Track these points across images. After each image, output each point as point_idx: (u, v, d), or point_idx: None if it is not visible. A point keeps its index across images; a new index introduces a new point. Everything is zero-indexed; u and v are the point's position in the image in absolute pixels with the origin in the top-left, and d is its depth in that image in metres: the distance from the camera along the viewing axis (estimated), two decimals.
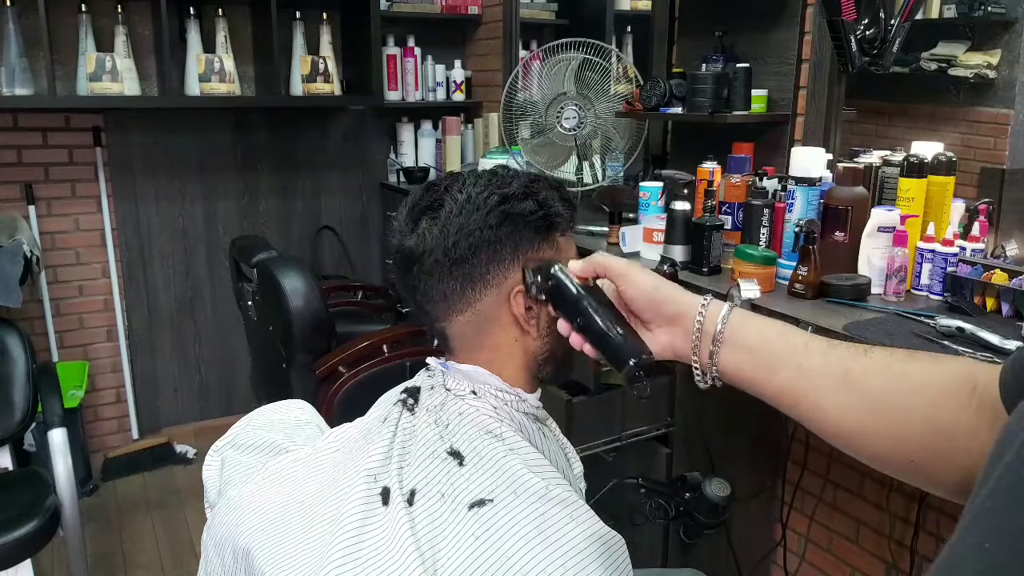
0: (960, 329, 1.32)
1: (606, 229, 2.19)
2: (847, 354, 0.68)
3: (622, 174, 2.65)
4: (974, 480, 0.61)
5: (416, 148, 3.45)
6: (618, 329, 0.77)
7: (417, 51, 3.34)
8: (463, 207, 0.85)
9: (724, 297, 1.60)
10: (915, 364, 0.66)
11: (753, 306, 1.58)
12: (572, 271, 0.81)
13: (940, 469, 0.64)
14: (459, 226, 0.84)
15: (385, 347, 2.32)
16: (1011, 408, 0.57)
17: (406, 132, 3.42)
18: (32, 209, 2.87)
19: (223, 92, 2.86)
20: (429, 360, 0.95)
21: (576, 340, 0.80)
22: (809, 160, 1.73)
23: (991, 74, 1.77)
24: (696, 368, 0.74)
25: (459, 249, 0.84)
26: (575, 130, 2.54)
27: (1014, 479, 0.40)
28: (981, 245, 1.58)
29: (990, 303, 1.45)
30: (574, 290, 0.80)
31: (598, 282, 0.82)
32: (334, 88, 3.06)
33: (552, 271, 0.82)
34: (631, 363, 0.75)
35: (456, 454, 0.83)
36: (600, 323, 0.78)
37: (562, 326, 0.82)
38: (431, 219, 0.86)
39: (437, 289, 0.87)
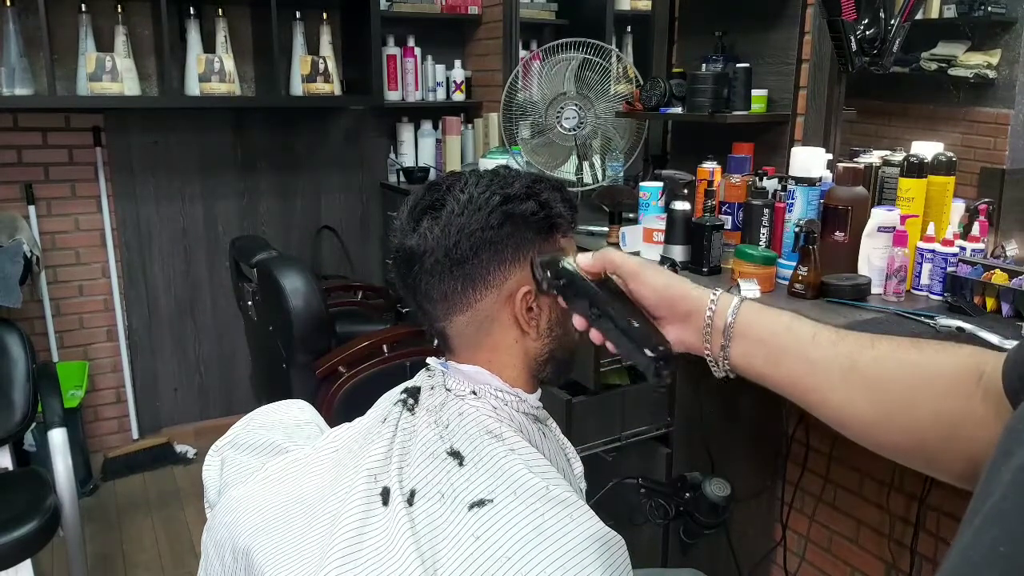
0: (960, 329, 1.32)
1: (606, 229, 2.19)
2: (855, 346, 0.68)
3: (622, 174, 2.65)
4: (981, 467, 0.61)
5: (416, 148, 3.45)
6: (634, 323, 0.77)
7: (417, 51, 3.34)
8: (465, 207, 0.85)
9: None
10: (921, 354, 0.67)
11: None
12: (582, 266, 0.81)
13: (949, 457, 0.64)
14: (461, 226, 0.84)
15: (385, 347, 2.32)
16: (1013, 398, 0.57)
17: (406, 132, 3.42)
18: (32, 209, 2.87)
19: (223, 92, 2.86)
20: (429, 360, 0.95)
21: (596, 335, 0.80)
22: (809, 160, 1.73)
23: (991, 74, 1.77)
24: (710, 359, 0.75)
25: (460, 249, 0.84)
26: (575, 130, 2.54)
27: None
28: (981, 245, 1.58)
29: (990, 303, 1.45)
30: (589, 285, 0.80)
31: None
32: (334, 88, 3.06)
33: (563, 266, 0.82)
34: (652, 355, 0.75)
35: (456, 454, 0.83)
36: (618, 317, 0.78)
37: (578, 321, 0.81)
38: (432, 219, 0.86)
39: (438, 289, 0.87)
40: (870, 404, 0.66)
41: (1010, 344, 1.25)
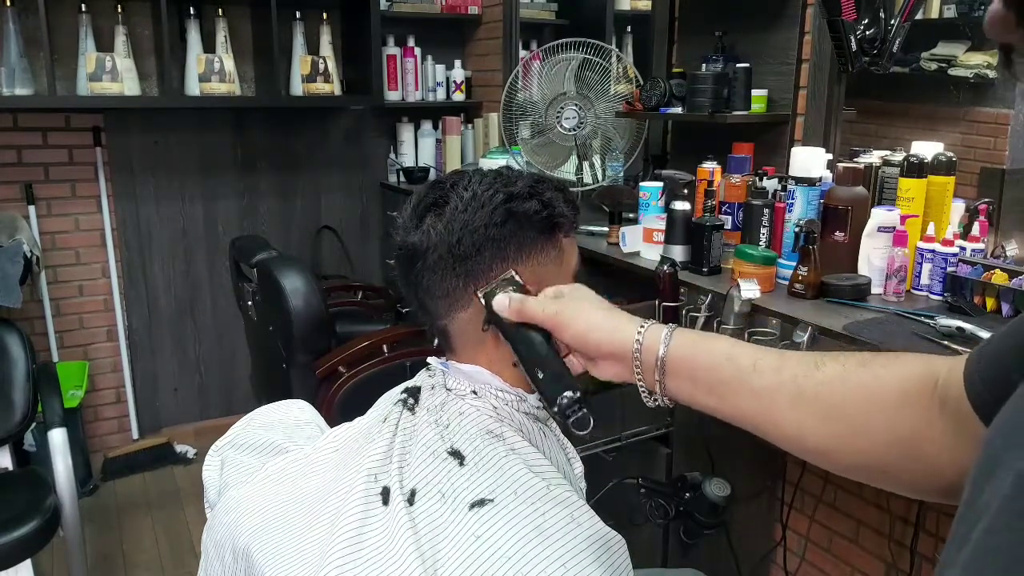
0: (960, 329, 1.32)
1: (606, 229, 2.20)
2: (799, 369, 0.66)
3: (622, 174, 2.65)
4: (950, 481, 0.59)
5: (416, 148, 3.45)
6: (539, 373, 0.77)
7: (417, 51, 3.34)
8: (468, 204, 0.85)
9: (723, 297, 1.61)
10: (869, 370, 0.64)
11: (754, 306, 1.58)
12: (498, 311, 0.79)
13: (914, 474, 0.62)
14: (464, 223, 0.84)
15: (385, 347, 2.31)
16: (976, 400, 0.55)
17: (406, 132, 3.42)
18: (32, 209, 2.87)
19: (223, 92, 2.85)
20: (430, 360, 0.95)
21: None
22: (809, 160, 1.73)
23: (991, 74, 1.77)
24: (642, 389, 0.72)
25: (463, 246, 0.84)
26: (575, 130, 2.54)
27: (1015, 516, 0.38)
28: (981, 245, 1.58)
29: (990, 303, 1.45)
30: (506, 327, 0.80)
31: None
32: (334, 88, 3.06)
33: (492, 303, 0.81)
34: (554, 410, 0.76)
35: (456, 454, 0.83)
36: (526, 366, 0.78)
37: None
38: (436, 216, 0.86)
39: (440, 286, 0.87)
40: (823, 428, 0.64)
41: None
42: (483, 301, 0.82)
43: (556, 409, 0.76)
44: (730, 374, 0.67)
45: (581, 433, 0.77)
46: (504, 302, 0.79)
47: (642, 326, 0.71)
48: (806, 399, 0.64)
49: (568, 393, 0.76)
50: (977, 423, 0.55)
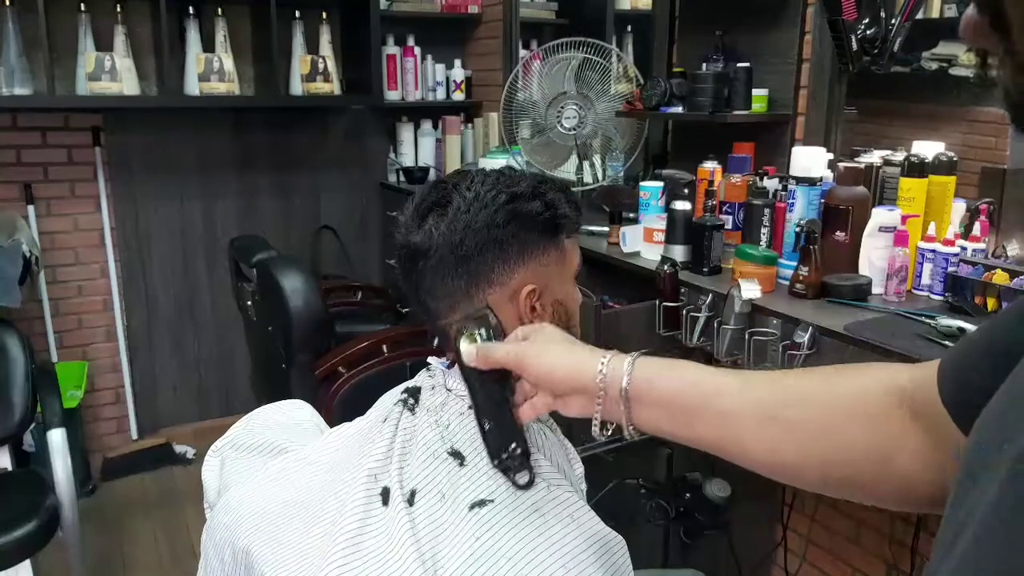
0: (961, 329, 1.32)
1: (606, 229, 2.19)
2: (764, 391, 0.65)
3: (622, 174, 2.65)
4: (928, 493, 0.58)
5: (416, 148, 3.44)
6: (486, 424, 0.79)
7: (417, 50, 3.34)
8: (471, 204, 0.85)
9: (724, 297, 1.60)
10: (834, 386, 0.64)
11: (754, 307, 1.58)
12: (465, 359, 0.79)
13: (891, 487, 0.62)
14: (467, 223, 0.84)
15: (385, 347, 2.31)
16: (951, 403, 0.55)
17: (406, 132, 3.41)
18: (31, 209, 2.86)
19: (222, 92, 2.85)
20: (430, 360, 0.94)
21: None
22: (810, 160, 1.72)
23: (992, 74, 1.77)
24: (595, 422, 0.72)
25: (466, 246, 0.84)
26: (575, 130, 2.54)
27: (1001, 524, 0.38)
28: (982, 245, 1.57)
29: (991, 303, 1.45)
30: (463, 370, 0.80)
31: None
32: (334, 88, 3.06)
33: (456, 345, 0.81)
34: (495, 461, 0.80)
35: (457, 454, 0.83)
36: (478, 414, 0.80)
37: None
38: (438, 216, 0.86)
39: (442, 286, 0.87)
40: (789, 446, 0.63)
41: None
42: (452, 339, 0.82)
43: (496, 462, 0.79)
44: (695, 400, 0.67)
45: (522, 484, 0.80)
46: (471, 352, 0.78)
47: (604, 358, 0.70)
48: (771, 419, 0.64)
49: (511, 447, 0.78)
50: (953, 428, 0.54)
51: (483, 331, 0.80)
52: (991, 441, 0.42)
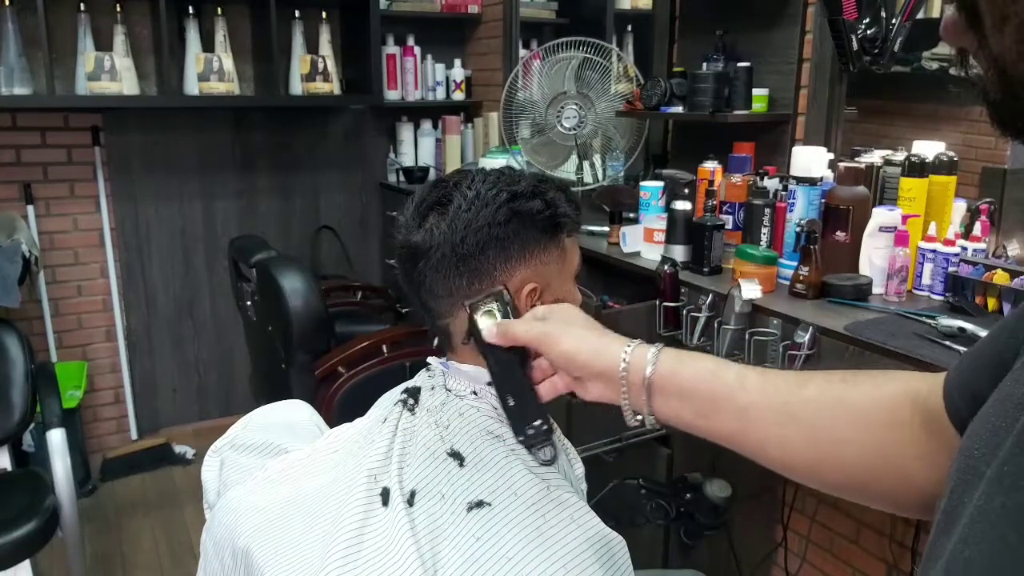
0: (962, 329, 1.32)
1: (606, 229, 2.19)
2: (784, 387, 0.66)
3: (622, 174, 2.65)
4: (935, 498, 0.59)
5: (416, 147, 3.44)
6: (509, 400, 0.78)
7: (417, 50, 3.34)
8: (472, 203, 0.85)
9: (724, 297, 1.60)
10: (853, 389, 0.64)
11: (755, 307, 1.57)
12: (486, 335, 0.78)
13: (899, 492, 0.62)
14: (467, 222, 0.84)
15: (384, 347, 2.31)
16: (954, 417, 0.56)
17: (406, 131, 3.41)
18: (31, 209, 2.86)
19: (222, 91, 2.85)
20: (430, 360, 0.94)
21: None
22: (810, 160, 1.72)
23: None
24: (626, 410, 0.72)
25: (467, 245, 0.84)
26: (575, 129, 2.53)
27: (989, 526, 0.38)
28: (983, 245, 1.57)
29: (992, 303, 1.44)
30: (484, 347, 0.80)
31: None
32: (333, 87, 3.06)
33: (475, 319, 0.80)
34: (520, 438, 0.79)
35: (456, 455, 0.83)
36: (498, 391, 0.80)
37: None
38: (439, 215, 0.86)
39: (443, 285, 0.87)
40: (809, 447, 0.64)
41: None
42: (468, 313, 0.82)
43: (522, 439, 0.79)
44: (717, 391, 0.67)
45: (544, 462, 0.80)
46: (490, 327, 0.78)
47: (628, 346, 0.70)
48: (790, 416, 0.64)
49: (537, 423, 0.78)
50: (957, 438, 0.54)
51: (498, 306, 0.80)
52: (982, 448, 0.42)
